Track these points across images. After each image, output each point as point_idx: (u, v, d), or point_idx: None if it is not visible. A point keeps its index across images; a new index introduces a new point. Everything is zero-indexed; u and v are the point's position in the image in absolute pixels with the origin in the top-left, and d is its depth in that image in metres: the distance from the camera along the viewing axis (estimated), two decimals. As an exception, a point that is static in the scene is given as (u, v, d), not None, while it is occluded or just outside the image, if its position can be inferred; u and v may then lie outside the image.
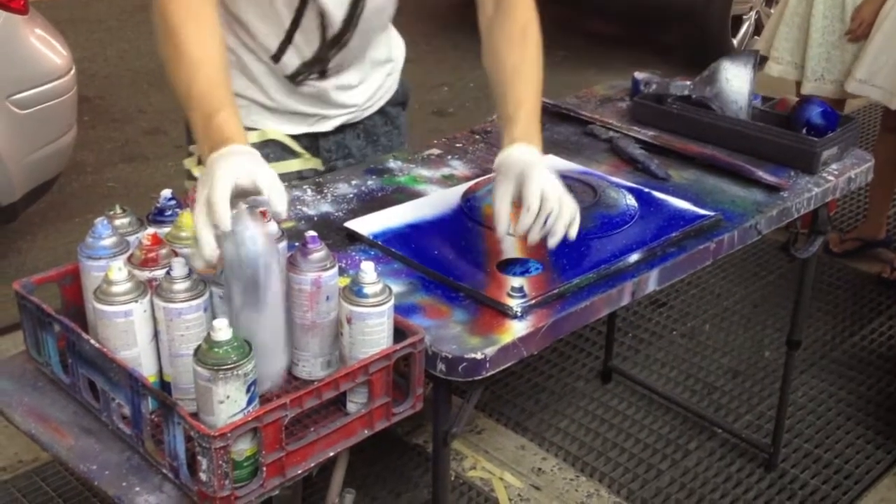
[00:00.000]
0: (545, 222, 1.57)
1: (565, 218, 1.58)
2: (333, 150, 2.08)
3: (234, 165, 1.35)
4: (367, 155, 2.13)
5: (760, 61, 2.49)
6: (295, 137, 2.02)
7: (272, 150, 1.99)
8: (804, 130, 2.16)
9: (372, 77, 2.07)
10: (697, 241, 1.83)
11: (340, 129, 2.06)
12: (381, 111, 2.13)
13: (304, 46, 1.89)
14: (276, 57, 1.90)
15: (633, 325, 3.28)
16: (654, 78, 2.40)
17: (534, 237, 1.57)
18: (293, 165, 2.04)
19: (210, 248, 1.29)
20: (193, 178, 1.98)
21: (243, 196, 1.35)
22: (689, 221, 1.85)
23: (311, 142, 2.05)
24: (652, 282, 1.73)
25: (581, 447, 2.71)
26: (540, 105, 1.75)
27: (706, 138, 2.22)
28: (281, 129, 1.99)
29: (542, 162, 1.64)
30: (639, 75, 2.44)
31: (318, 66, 1.92)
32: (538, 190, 1.57)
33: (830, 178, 2.12)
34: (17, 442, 2.59)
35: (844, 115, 2.33)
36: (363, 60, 2.01)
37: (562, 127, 2.35)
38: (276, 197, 1.34)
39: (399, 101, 2.18)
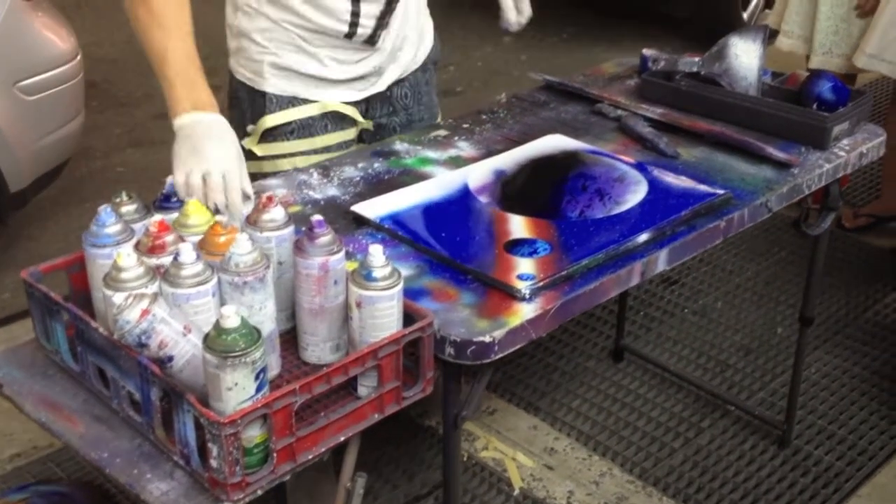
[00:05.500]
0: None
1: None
2: (379, 107, 2.17)
3: (224, 153, 1.68)
4: (412, 112, 2.21)
5: (771, 35, 2.46)
6: (352, 104, 2.11)
7: (330, 120, 2.09)
8: (814, 106, 2.13)
9: (418, 30, 2.16)
10: (707, 219, 1.81)
11: (389, 87, 2.15)
12: (423, 67, 2.21)
13: (371, 6, 1.99)
14: (350, 34, 1.99)
15: (644, 303, 3.26)
16: (663, 55, 2.37)
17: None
18: (351, 134, 2.13)
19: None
20: (256, 158, 2.07)
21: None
22: (699, 200, 1.83)
23: (361, 105, 2.14)
24: (661, 262, 1.72)
25: (593, 426, 2.71)
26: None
27: (715, 115, 2.19)
28: (339, 98, 2.08)
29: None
30: (647, 52, 2.41)
31: (387, 17, 2.03)
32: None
33: (842, 153, 2.10)
34: (32, 427, 2.57)
35: (855, 89, 2.30)
36: (411, 15, 2.12)
37: (569, 106, 2.33)
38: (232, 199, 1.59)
39: (435, 57, 2.26)
